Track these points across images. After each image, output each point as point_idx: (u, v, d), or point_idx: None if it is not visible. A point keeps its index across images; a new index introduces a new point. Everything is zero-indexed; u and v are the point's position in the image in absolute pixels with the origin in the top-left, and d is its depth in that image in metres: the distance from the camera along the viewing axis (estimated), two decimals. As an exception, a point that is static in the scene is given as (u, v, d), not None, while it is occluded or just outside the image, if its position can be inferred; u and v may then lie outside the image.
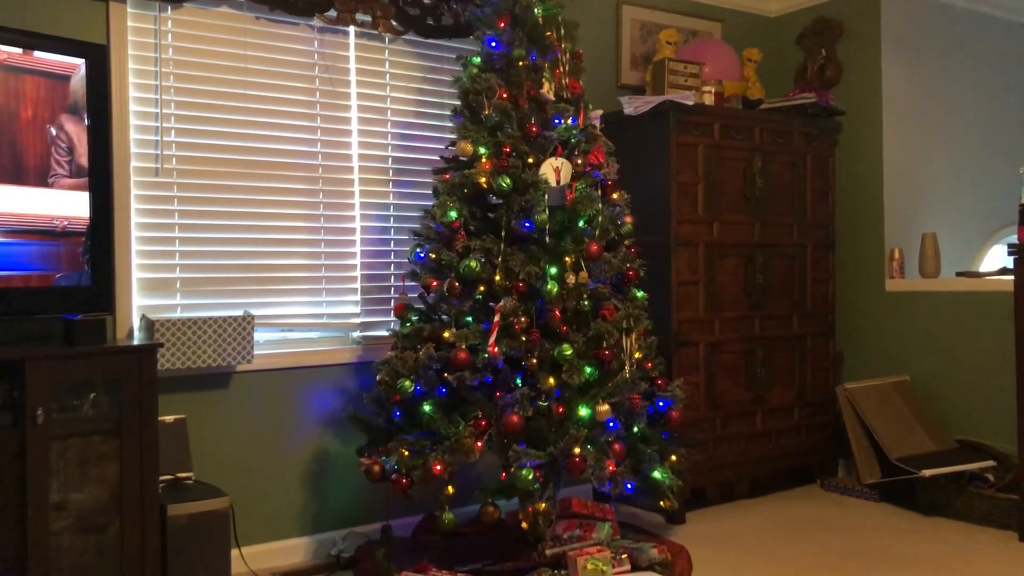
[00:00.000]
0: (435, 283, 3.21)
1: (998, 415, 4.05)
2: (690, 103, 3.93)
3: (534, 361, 3.05)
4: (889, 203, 4.58)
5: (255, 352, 3.29)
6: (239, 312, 3.32)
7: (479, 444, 2.98)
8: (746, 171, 4.16)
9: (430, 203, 3.38)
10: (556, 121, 3.29)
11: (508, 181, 3.14)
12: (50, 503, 2.51)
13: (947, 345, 4.33)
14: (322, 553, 3.47)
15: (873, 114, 4.60)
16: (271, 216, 3.47)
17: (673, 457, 3.33)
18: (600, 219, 3.24)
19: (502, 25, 3.31)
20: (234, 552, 3.12)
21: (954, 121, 4.93)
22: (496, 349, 3.00)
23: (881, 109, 4.57)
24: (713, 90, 4.14)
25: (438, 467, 2.95)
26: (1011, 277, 3.68)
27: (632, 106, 3.97)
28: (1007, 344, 3.76)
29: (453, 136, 3.38)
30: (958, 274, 4.37)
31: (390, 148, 3.76)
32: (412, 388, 3.11)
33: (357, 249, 3.67)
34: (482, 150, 3.21)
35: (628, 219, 3.43)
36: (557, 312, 3.09)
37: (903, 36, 4.67)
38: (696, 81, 4.14)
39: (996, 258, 5.07)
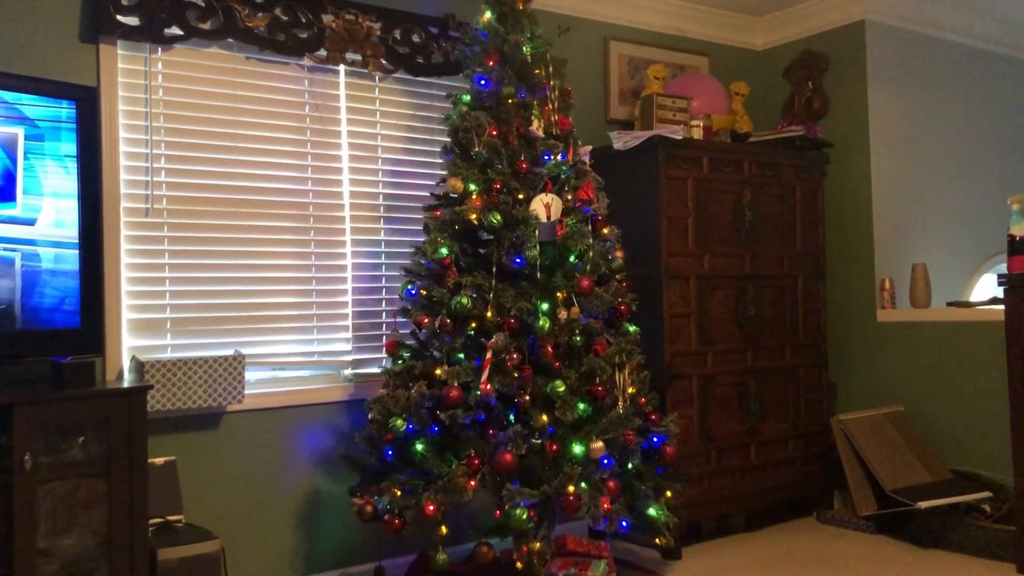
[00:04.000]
0: (426, 320, 3.20)
1: (993, 445, 4.04)
2: (679, 137, 3.95)
3: (527, 398, 3.03)
4: (879, 234, 4.60)
5: (246, 391, 3.27)
6: (230, 351, 3.30)
7: (472, 483, 2.95)
8: (736, 204, 4.17)
9: (421, 240, 3.38)
10: (546, 157, 3.30)
11: (498, 217, 3.15)
12: (37, 549, 2.47)
13: (939, 375, 4.32)
14: (314, 595, 3.43)
15: (861, 145, 4.63)
16: (262, 255, 3.46)
17: (668, 493, 3.30)
18: (591, 254, 3.25)
19: (491, 63, 3.33)
20: (225, 596, 3.08)
21: (942, 152, 4.97)
22: (488, 386, 2.99)
23: (869, 140, 4.60)
24: (701, 124, 4.17)
25: (431, 507, 2.93)
26: (1002, 307, 3.69)
27: (621, 141, 3.99)
28: (999, 373, 3.76)
29: (443, 173, 3.39)
30: (949, 304, 4.38)
31: (381, 185, 3.76)
32: (404, 427, 3.09)
33: (348, 286, 3.67)
34: (472, 187, 3.22)
35: (619, 253, 3.44)
36: (549, 348, 3.08)
37: (889, 68, 4.72)
38: (684, 115, 4.17)
39: (986, 288, 5.09)
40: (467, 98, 3.36)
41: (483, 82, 3.33)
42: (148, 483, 2.69)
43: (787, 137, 4.42)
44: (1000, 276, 3.67)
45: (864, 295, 4.62)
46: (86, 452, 2.61)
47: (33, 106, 2.70)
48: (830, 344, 4.60)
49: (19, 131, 2.67)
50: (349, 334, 3.66)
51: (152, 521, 2.88)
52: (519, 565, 3.05)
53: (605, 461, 3.03)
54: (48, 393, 2.58)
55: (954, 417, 4.26)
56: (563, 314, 3.11)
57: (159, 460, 3.07)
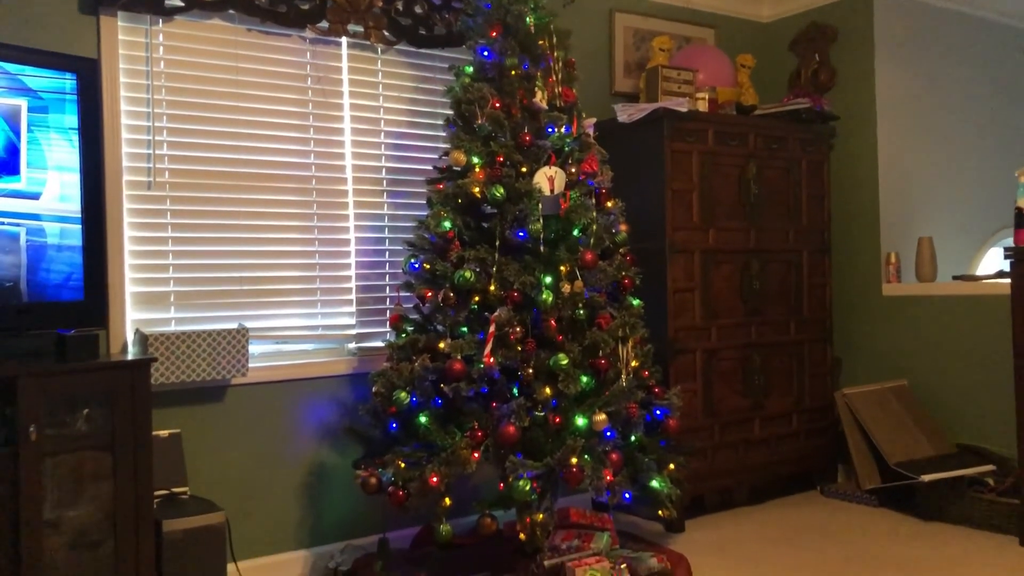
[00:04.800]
0: (430, 294, 3.20)
1: (997, 419, 4.04)
2: (684, 110, 3.92)
3: (530, 371, 3.03)
4: (885, 207, 4.58)
5: (250, 365, 3.28)
6: (233, 325, 3.31)
7: (475, 455, 2.96)
8: (741, 177, 4.15)
9: (424, 213, 3.37)
10: (549, 130, 3.28)
11: (502, 191, 3.14)
12: (44, 520, 2.48)
13: (945, 349, 4.32)
14: (320, 566, 3.45)
15: (867, 118, 4.60)
16: (265, 228, 3.46)
17: (671, 466, 3.31)
18: (595, 227, 3.23)
19: (494, 34, 3.30)
20: (231, 567, 3.10)
21: (949, 124, 4.93)
22: (491, 360, 2.99)
23: (875, 113, 4.57)
24: (707, 96, 4.14)
25: (434, 479, 2.94)
26: (1008, 280, 3.67)
27: (626, 114, 3.97)
28: (1005, 347, 3.76)
29: (446, 146, 3.37)
30: (955, 278, 4.37)
31: (383, 159, 3.75)
32: (408, 399, 3.09)
33: (352, 260, 3.66)
34: (475, 160, 3.20)
35: (623, 227, 3.42)
36: (552, 322, 3.07)
37: (897, 40, 4.67)
38: (690, 88, 4.13)
39: (993, 261, 5.07)
40: (470, 70, 3.34)
41: (486, 53, 3.31)
42: (153, 455, 2.71)
43: (793, 110, 4.39)
44: (1007, 249, 3.65)
45: (870, 269, 4.60)
46: (91, 424, 2.62)
47: (35, 77, 2.68)
48: (835, 318, 4.60)
49: (22, 103, 2.66)
50: (353, 308, 3.66)
51: (157, 493, 2.90)
52: (522, 537, 3.06)
53: (608, 433, 3.03)
54: (52, 365, 2.59)
55: (959, 391, 4.26)
56: (566, 288, 3.10)
57: (164, 432, 3.08)
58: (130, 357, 3.00)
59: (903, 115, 4.69)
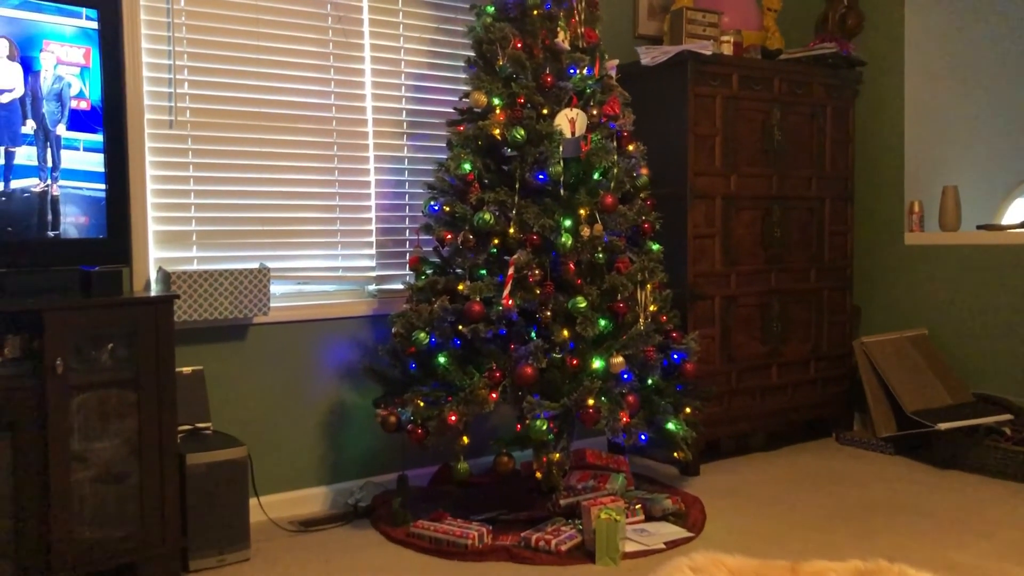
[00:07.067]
0: (449, 236, 3.21)
1: (1016, 369, 4.03)
2: (708, 53, 3.87)
3: (548, 313, 3.05)
4: (910, 155, 4.52)
5: (271, 305, 3.31)
6: (255, 265, 3.33)
7: (493, 395, 2.99)
8: (764, 123, 4.10)
9: (444, 155, 3.36)
10: (571, 71, 3.25)
11: (522, 132, 3.12)
12: (71, 452, 2.54)
13: (966, 299, 4.29)
14: (340, 502, 3.52)
15: (895, 64, 4.51)
16: (286, 169, 3.46)
17: (687, 409, 3.34)
18: (615, 171, 3.22)
19: (516, -27, 3.26)
20: (253, 501, 3.17)
21: (978, 71, 4.83)
22: (510, 302, 3.00)
23: (903, 59, 4.48)
24: (732, 40, 4.07)
25: (453, 418, 2.98)
26: (1033, 229, 3.64)
27: (649, 56, 3.92)
28: (1027, 297, 3.73)
29: (467, 87, 3.35)
30: (979, 227, 4.32)
31: (404, 100, 3.73)
32: (427, 340, 3.12)
33: (372, 202, 3.67)
34: (496, 101, 3.19)
35: (644, 171, 3.40)
36: (571, 265, 3.08)
37: (928, -17, 4.57)
38: (714, 31, 4.07)
39: (1019, 211, 5.00)
40: (491, 9, 3.30)
41: (508, -7, 3.27)
42: (176, 391, 2.75)
43: (819, 55, 4.32)
44: (1033, 198, 3.60)
45: (892, 218, 4.56)
46: (115, 360, 2.67)
47: (52, 14, 2.68)
48: (856, 266, 4.57)
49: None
50: (373, 250, 3.68)
51: (181, 428, 2.95)
52: (539, 476, 3.10)
53: (625, 376, 3.05)
54: (77, 300, 2.62)
55: (978, 341, 4.24)
56: (586, 231, 3.10)
57: (187, 369, 3.13)
58: (153, 294, 3.03)
59: (931, 61, 4.60)
